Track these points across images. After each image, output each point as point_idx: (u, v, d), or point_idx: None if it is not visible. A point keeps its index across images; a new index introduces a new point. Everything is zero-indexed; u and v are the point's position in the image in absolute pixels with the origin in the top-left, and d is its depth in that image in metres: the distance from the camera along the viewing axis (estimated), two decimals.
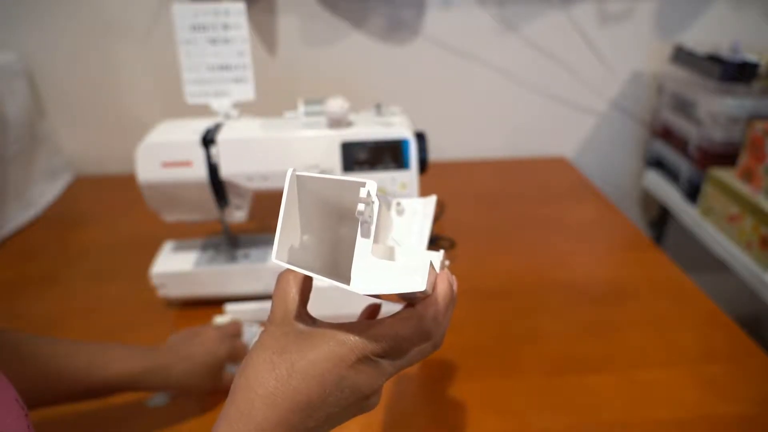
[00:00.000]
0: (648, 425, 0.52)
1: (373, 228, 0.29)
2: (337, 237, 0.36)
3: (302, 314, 0.31)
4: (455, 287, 0.33)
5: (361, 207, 0.28)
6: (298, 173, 0.31)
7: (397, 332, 0.30)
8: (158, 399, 0.54)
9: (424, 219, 0.41)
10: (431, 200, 0.42)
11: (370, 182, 0.29)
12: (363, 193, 0.28)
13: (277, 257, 0.30)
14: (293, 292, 0.31)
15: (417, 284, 0.28)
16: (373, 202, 0.29)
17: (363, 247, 0.29)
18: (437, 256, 0.36)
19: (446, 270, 0.33)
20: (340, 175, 0.29)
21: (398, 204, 0.42)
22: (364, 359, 0.29)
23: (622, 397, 0.56)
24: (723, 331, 0.65)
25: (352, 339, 0.29)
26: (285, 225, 0.31)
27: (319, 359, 0.28)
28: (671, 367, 0.59)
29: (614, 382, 0.57)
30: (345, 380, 0.29)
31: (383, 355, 0.30)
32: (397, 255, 0.36)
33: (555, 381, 0.58)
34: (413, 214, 0.42)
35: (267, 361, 0.29)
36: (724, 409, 0.54)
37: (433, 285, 0.32)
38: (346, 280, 0.30)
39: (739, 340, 0.63)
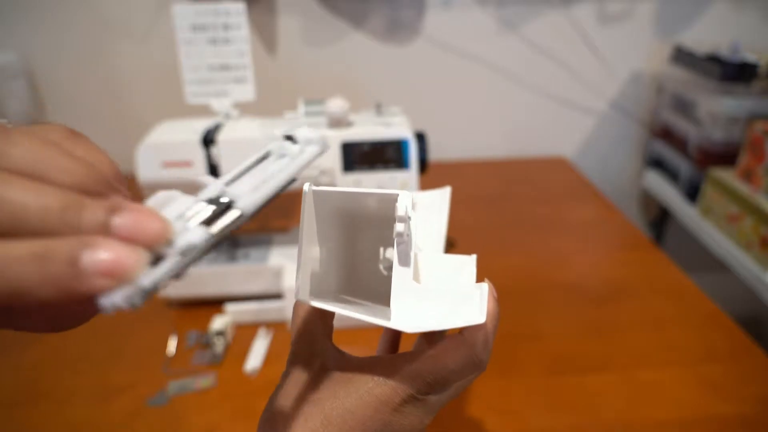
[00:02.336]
0: (648, 425, 0.52)
1: (412, 253, 0.25)
2: (351, 244, 0.32)
3: (330, 350, 0.27)
4: (496, 295, 0.29)
5: (400, 227, 0.24)
6: (314, 188, 0.27)
7: (446, 365, 0.26)
8: (158, 399, 0.54)
9: (440, 214, 0.36)
10: (445, 192, 0.36)
11: (403, 193, 0.24)
12: (401, 209, 0.24)
13: (300, 295, 0.26)
14: (317, 326, 0.27)
15: (475, 317, 0.24)
16: (409, 218, 0.24)
17: (403, 276, 0.25)
18: (470, 263, 0.30)
19: (487, 282, 0.28)
20: (360, 188, 0.25)
21: None
22: (410, 399, 0.25)
23: (622, 397, 0.56)
24: (723, 331, 0.65)
25: (395, 378, 0.25)
26: (305, 254, 0.26)
27: (358, 406, 0.24)
28: (671, 367, 0.59)
29: (614, 382, 0.57)
30: (390, 426, 0.25)
31: (430, 392, 0.26)
32: (423, 264, 0.31)
33: (555, 381, 0.58)
34: (426, 210, 0.36)
35: (296, 413, 0.25)
36: (724, 409, 0.54)
37: None
38: (369, 297, 0.26)
39: (739, 340, 0.63)
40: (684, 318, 0.67)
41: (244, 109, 0.67)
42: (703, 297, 0.71)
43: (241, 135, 0.61)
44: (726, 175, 0.88)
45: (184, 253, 0.18)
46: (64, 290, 0.16)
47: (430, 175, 0.67)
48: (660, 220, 1.17)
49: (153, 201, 0.20)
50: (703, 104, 0.93)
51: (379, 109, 0.67)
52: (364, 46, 1.04)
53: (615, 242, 0.86)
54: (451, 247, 0.81)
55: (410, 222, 0.24)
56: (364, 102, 0.79)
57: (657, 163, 1.12)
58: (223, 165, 0.60)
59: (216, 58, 0.64)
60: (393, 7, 1.01)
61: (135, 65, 1.02)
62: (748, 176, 0.84)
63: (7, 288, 0.15)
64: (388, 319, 0.24)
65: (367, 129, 0.62)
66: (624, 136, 1.17)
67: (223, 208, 0.20)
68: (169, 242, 0.18)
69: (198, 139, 0.60)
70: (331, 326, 0.29)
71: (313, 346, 0.27)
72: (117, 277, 0.16)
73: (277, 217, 0.90)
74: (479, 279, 0.29)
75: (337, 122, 0.61)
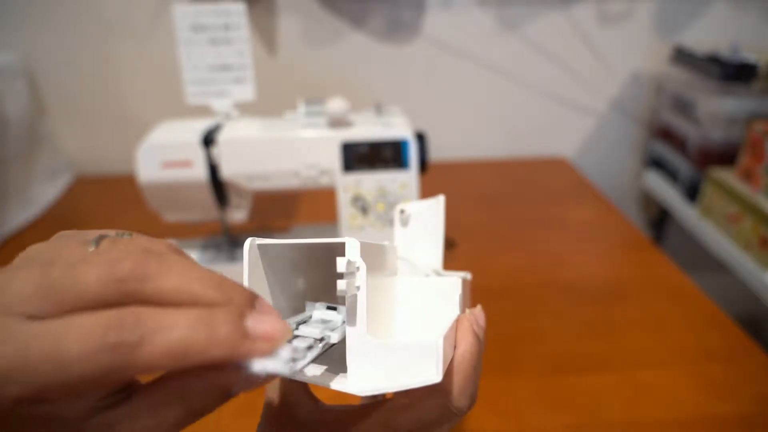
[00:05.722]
0: (648, 425, 0.52)
1: (363, 309, 0.22)
2: (301, 288, 0.30)
3: (303, 400, 0.26)
4: (483, 324, 0.26)
5: (341, 286, 0.21)
6: (258, 242, 0.24)
7: (419, 416, 0.24)
8: None
9: (435, 224, 0.34)
10: (439, 201, 0.35)
11: (350, 242, 0.22)
12: (341, 266, 0.21)
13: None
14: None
15: (429, 375, 0.22)
16: (357, 269, 0.22)
17: (355, 334, 0.22)
18: (454, 286, 0.27)
19: (470, 313, 0.26)
20: (305, 239, 0.24)
21: (402, 212, 0.35)
22: None
23: (622, 397, 0.56)
24: (723, 331, 0.65)
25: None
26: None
27: None
28: (671, 367, 0.59)
29: (614, 382, 0.57)
30: None
31: None
32: (402, 290, 0.28)
33: (555, 381, 0.58)
34: (421, 220, 0.35)
35: None
36: (724, 409, 0.54)
37: (454, 343, 0.24)
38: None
39: (739, 340, 0.63)
40: (684, 318, 0.67)
41: (244, 109, 0.67)
42: (702, 297, 0.71)
43: (241, 135, 0.61)
44: (726, 176, 0.88)
45: (310, 347, 0.22)
46: (232, 350, 0.17)
47: (430, 175, 0.67)
48: (660, 220, 1.17)
49: None
50: (703, 104, 0.93)
51: (379, 109, 0.67)
52: (364, 46, 1.04)
53: (615, 242, 0.86)
54: (451, 247, 0.81)
55: (359, 274, 0.22)
56: (364, 102, 0.79)
57: (657, 164, 1.12)
58: (224, 165, 0.61)
59: (216, 59, 0.64)
60: (393, 7, 1.01)
61: (135, 65, 1.02)
62: (747, 176, 0.84)
63: (177, 348, 0.16)
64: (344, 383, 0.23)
65: (367, 129, 0.62)
66: (624, 137, 1.17)
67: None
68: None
69: (198, 140, 0.60)
70: None
71: (287, 397, 0.25)
72: (274, 341, 0.18)
73: (277, 217, 0.90)
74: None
75: (337, 122, 0.61)
